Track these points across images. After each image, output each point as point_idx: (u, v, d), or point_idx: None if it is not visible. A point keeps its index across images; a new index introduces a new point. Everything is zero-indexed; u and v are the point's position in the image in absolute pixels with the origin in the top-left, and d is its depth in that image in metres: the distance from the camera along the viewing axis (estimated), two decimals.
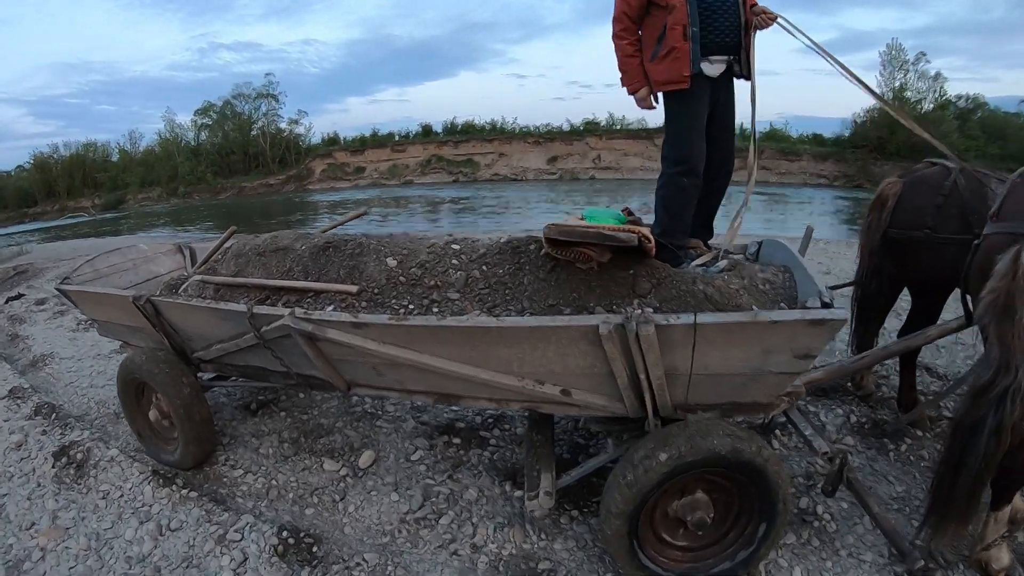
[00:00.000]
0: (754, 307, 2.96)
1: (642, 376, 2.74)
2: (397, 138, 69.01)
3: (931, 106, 51.34)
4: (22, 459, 4.95)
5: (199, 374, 4.64)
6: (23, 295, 11.65)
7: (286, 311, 3.26)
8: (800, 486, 3.91)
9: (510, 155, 64.50)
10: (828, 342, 2.71)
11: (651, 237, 2.92)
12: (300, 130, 71.41)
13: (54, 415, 5.58)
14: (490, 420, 4.89)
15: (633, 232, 2.83)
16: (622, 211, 4.21)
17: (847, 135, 54.87)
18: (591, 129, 64.40)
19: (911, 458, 4.25)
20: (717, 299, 2.99)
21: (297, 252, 3.86)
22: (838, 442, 4.38)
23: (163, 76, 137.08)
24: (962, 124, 47.79)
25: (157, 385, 4.23)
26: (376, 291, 3.40)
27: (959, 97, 51.52)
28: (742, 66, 4.07)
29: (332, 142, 71.10)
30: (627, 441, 3.26)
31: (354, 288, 3.40)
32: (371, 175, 65.11)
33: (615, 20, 4.03)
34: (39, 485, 4.57)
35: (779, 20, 4.00)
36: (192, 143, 70.16)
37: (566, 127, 65.78)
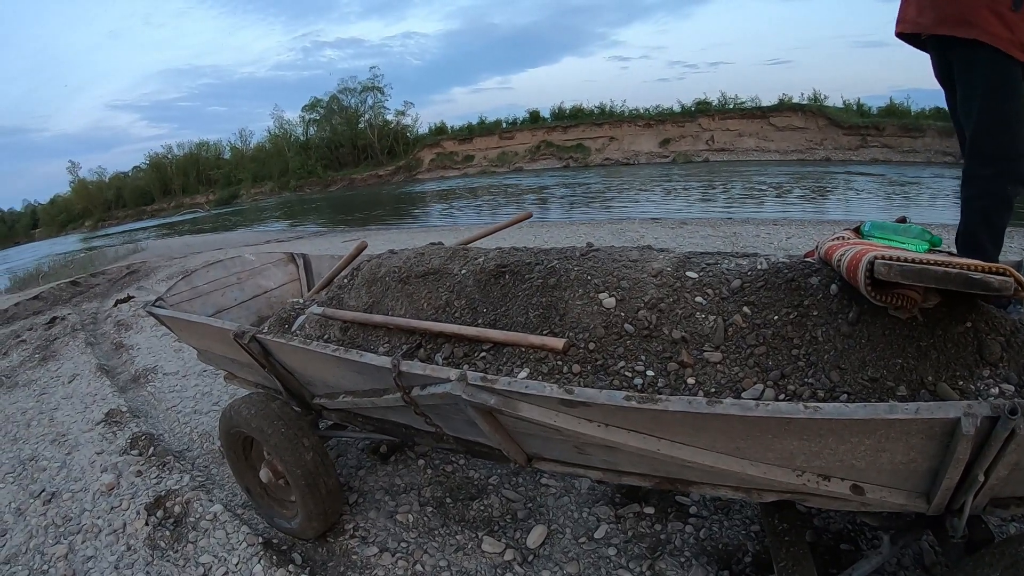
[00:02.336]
0: None
1: (980, 477, 1.82)
2: (505, 125, 69.33)
3: None
4: (112, 508, 4.21)
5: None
6: (132, 297, 11.51)
7: (453, 373, 2.27)
8: None
9: (621, 139, 63.57)
10: None
11: None
12: (407, 121, 73.28)
13: (151, 450, 4.91)
14: None
15: (1006, 275, 1.86)
16: (897, 220, 3.08)
17: None
18: (703, 109, 62.94)
19: None
20: None
21: (456, 279, 2.92)
22: None
23: (270, 76, 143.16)
24: None
25: (270, 447, 3.31)
26: (591, 347, 2.41)
27: None
28: None
29: (440, 131, 72.18)
30: (903, 537, 2.39)
31: (559, 343, 2.39)
32: (480, 163, 65.53)
33: None
34: (129, 548, 3.79)
35: None
36: (301, 138, 73.31)
37: (676, 108, 64.74)
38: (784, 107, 59.06)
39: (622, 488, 3.72)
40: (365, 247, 3.90)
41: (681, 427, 1.98)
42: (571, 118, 67.26)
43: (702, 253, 2.83)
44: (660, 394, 2.11)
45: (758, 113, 59.60)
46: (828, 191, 30.51)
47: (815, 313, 2.28)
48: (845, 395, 2.10)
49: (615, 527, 3.47)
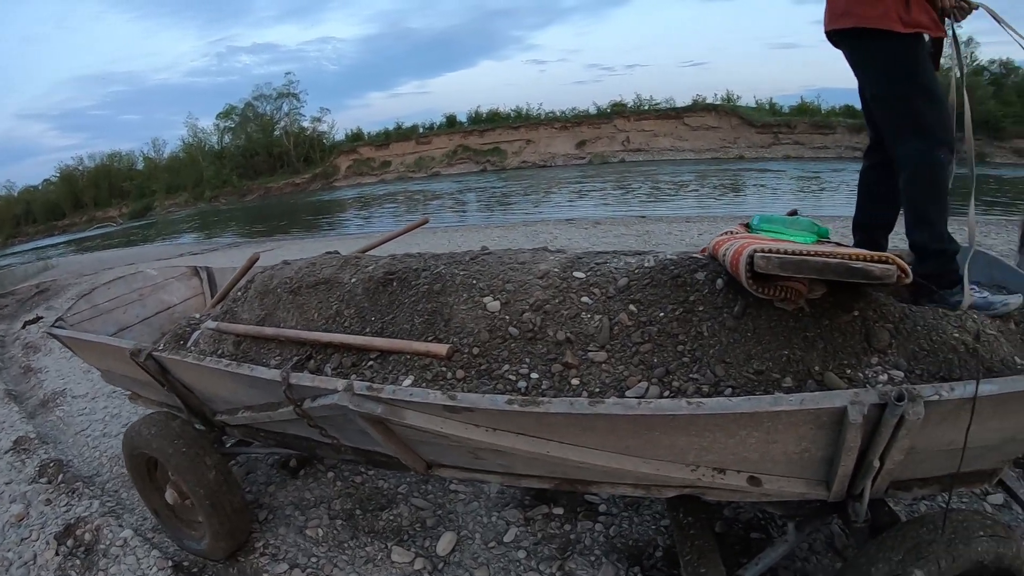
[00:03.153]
0: (1018, 360, 2.15)
1: (875, 461, 1.90)
2: (422, 130, 68.71)
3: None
4: (23, 540, 4.05)
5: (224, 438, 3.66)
6: (41, 318, 11.17)
7: (340, 383, 2.24)
8: None
9: (537, 141, 63.72)
10: None
11: (907, 268, 1.98)
12: (323, 128, 72.12)
13: (61, 477, 4.75)
14: None
15: (887, 263, 1.94)
16: (788, 213, 3.12)
17: None
18: (618, 111, 63.68)
19: None
20: (982, 354, 2.12)
21: (346, 288, 2.89)
22: None
23: (184, 83, 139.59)
24: (997, 90, 47.33)
25: (173, 468, 3.24)
26: (476, 351, 2.41)
27: (992, 62, 50.41)
28: None
29: (356, 138, 71.10)
30: (809, 523, 2.45)
31: (443, 349, 2.38)
32: (397, 169, 64.79)
33: None
34: None
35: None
36: (216, 147, 71.26)
37: (592, 110, 65.38)
38: (698, 107, 60.29)
39: (531, 490, 3.72)
40: (258, 259, 3.85)
41: (567, 428, 1.99)
42: (488, 122, 67.18)
43: (594, 253, 2.84)
44: (544, 396, 2.12)
45: (672, 113, 60.68)
46: (741, 188, 31.27)
47: (701, 308, 2.30)
48: (730, 389, 2.11)
49: (524, 530, 3.48)
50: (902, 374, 2.07)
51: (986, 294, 2.48)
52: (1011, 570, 2.04)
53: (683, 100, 62.19)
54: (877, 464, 1.90)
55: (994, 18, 2.85)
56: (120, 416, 5.91)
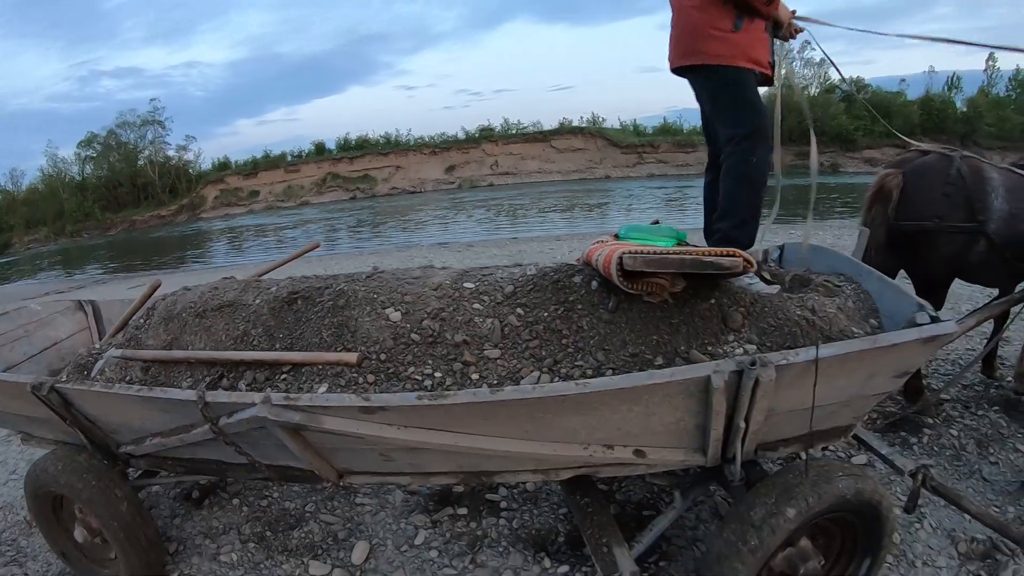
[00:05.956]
0: (854, 329, 2.59)
1: (741, 424, 2.26)
2: (290, 158, 68.06)
3: (817, 91, 56.27)
4: None
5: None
6: None
7: (257, 397, 2.37)
8: None
9: (407, 167, 64.24)
10: (931, 357, 2.49)
11: (751, 259, 2.42)
12: (189, 156, 70.09)
13: None
14: None
15: (733, 256, 2.37)
16: (652, 223, 3.60)
17: None
18: (487, 135, 65.20)
19: (935, 448, 4.16)
20: (820, 325, 2.55)
21: (251, 308, 3.02)
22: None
23: (44, 108, 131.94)
24: (848, 105, 51.92)
25: (83, 502, 3.22)
26: (383, 357, 2.62)
27: (843, 80, 55.03)
28: None
29: (223, 167, 69.45)
30: (692, 490, 2.82)
31: (353, 357, 2.57)
32: (266, 198, 63.69)
33: None
34: None
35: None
36: (77, 177, 67.77)
37: (461, 135, 66.55)
38: (565, 130, 62.24)
39: (434, 496, 3.94)
40: (159, 285, 3.85)
41: (472, 418, 2.23)
42: (357, 149, 67.17)
43: (481, 267, 3.13)
44: (448, 391, 2.35)
45: (540, 137, 62.65)
46: (607, 206, 32.37)
47: (580, 307, 2.63)
48: (610, 371, 2.44)
49: (433, 531, 3.68)
50: (755, 347, 2.46)
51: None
52: (871, 502, 2.44)
53: (550, 123, 64.66)
54: (743, 425, 2.24)
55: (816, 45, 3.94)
56: (6, 463, 5.62)
